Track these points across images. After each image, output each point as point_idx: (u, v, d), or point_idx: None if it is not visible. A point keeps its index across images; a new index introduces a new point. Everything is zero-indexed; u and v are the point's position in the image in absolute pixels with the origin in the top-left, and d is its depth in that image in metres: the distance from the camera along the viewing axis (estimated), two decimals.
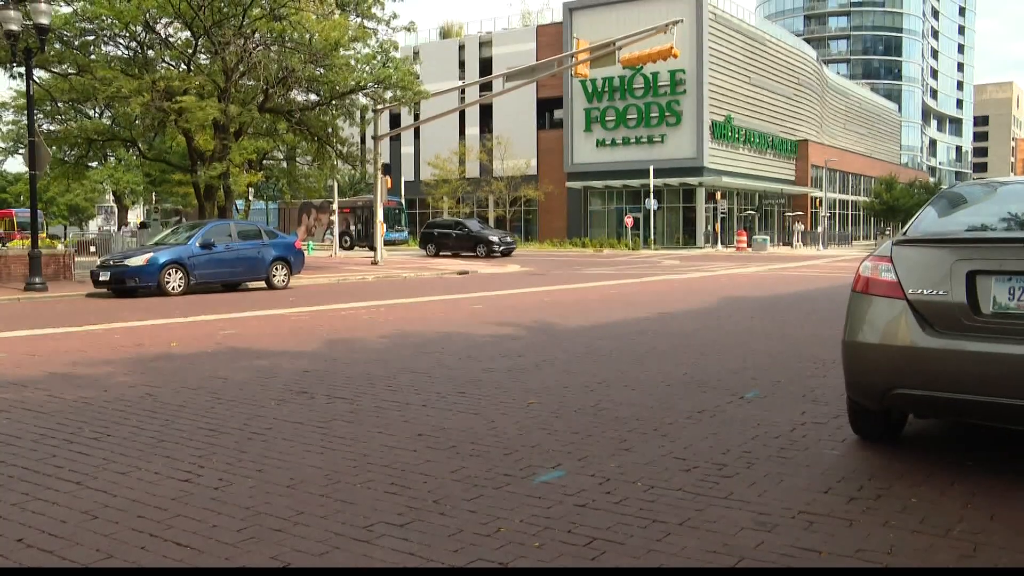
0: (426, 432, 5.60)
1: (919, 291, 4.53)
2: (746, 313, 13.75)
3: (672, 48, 25.72)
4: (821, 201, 64.49)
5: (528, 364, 8.41)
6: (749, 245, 52.10)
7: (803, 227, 63.47)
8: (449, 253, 40.65)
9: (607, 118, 59.24)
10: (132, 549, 3.62)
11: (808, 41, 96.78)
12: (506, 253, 40.26)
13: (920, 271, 4.58)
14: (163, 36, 26.24)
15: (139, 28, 25.32)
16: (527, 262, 35.11)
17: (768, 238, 55.62)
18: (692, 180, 56.32)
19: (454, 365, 8.39)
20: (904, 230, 5.05)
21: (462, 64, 66.72)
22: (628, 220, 53.30)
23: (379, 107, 30.94)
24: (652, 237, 54.29)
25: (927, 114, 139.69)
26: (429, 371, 8.02)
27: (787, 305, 15.32)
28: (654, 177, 52.72)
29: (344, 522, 3.92)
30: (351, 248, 52.17)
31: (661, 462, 4.86)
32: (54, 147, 27.60)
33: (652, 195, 52.64)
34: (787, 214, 67.40)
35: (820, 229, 62.46)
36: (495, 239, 40.38)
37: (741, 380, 7.42)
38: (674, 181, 56.29)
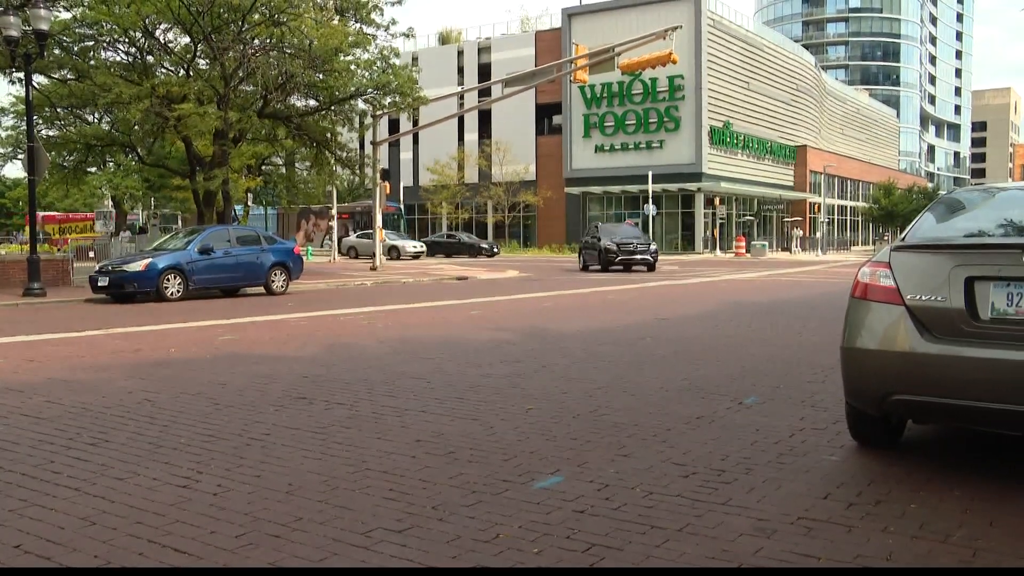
0: (425, 438, 5.60)
1: (917, 297, 4.53)
2: (745, 319, 13.75)
3: (671, 54, 25.77)
4: (819, 206, 64.59)
5: (527, 370, 8.41)
6: (748, 251, 52.14)
7: (802, 232, 63.59)
8: (597, 267, 32.41)
9: (606, 124, 59.31)
10: (130, 555, 3.62)
11: (806, 47, 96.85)
12: (651, 267, 31.52)
13: (918, 277, 4.58)
14: (162, 42, 26.27)
15: (138, 34, 25.35)
16: (526, 267, 35.15)
17: (767, 243, 55.67)
18: (691, 186, 56.36)
19: (453, 371, 8.39)
20: (902, 236, 5.05)
21: (461, 70, 66.79)
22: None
23: (378, 113, 30.97)
24: None
25: (925, 120, 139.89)
26: (428, 377, 8.02)
27: (786, 311, 15.31)
28: (653, 183, 52.79)
29: (343, 528, 3.92)
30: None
31: (660, 468, 4.86)
32: (53, 152, 27.61)
33: (651, 201, 52.69)
34: (786, 219, 67.47)
35: (819, 234, 62.58)
36: (612, 247, 31.19)
37: (740, 386, 7.41)
38: (673, 187, 56.33)
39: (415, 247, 47.39)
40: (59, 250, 35.03)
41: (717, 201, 56.27)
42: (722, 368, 8.41)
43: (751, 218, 63.01)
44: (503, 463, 4.98)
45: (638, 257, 31.44)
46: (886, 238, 73.86)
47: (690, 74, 55.34)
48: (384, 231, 50.91)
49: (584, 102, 59.56)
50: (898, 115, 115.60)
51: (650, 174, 52.97)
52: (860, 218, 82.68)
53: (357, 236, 49.83)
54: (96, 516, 4.12)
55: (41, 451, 5.37)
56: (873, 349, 4.67)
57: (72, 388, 7.58)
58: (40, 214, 56.03)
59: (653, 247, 32.38)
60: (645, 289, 21.55)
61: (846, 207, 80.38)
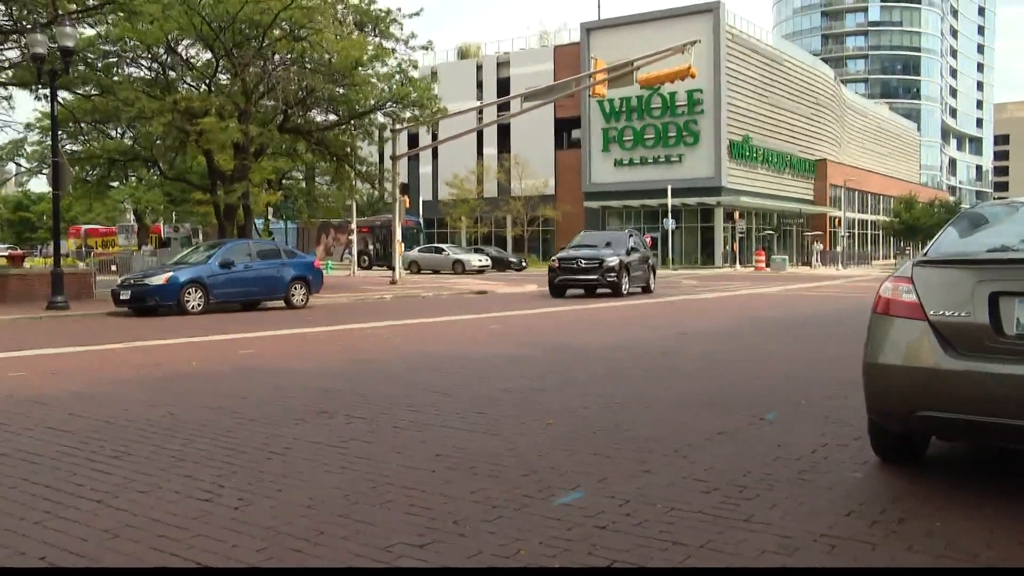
0: (445, 452, 5.59)
1: (941, 312, 4.49)
2: (766, 333, 13.67)
3: (690, 68, 25.78)
4: (840, 220, 64.26)
5: (547, 384, 8.39)
6: (768, 265, 51.94)
7: (822, 246, 63.28)
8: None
9: (625, 138, 59.34)
10: (153, 568, 3.63)
11: (826, 61, 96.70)
12: (614, 290, 23.08)
13: (942, 292, 4.54)
14: (185, 57, 26.59)
15: (161, 50, 25.70)
16: (545, 282, 35.03)
17: (787, 258, 55.42)
18: (710, 200, 56.24)
19: (473, 385, 8.38)
20: (925, 251, 5.01)
21: (480, 84, 67.10)
22: (647, 240, 53.26)
23: (398, 127, 31.16)
24: (670, 257, 54.20)
25: (946, 133, 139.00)
26: (448, 391, 8.02)
27: (807, 325, 15.22)
28: (672, 197, 52.70)
29: (363, 543, 3.92)
30: (370, 267, 52.26)
31: (681, 484, 4.83)
32: (77, 167, 27.94)
33: (670, 215, 52.61)
34: (806, 233, 67.16)
35: (839, 249, 62.25)
36: (554, 264, 24.20)
37: (761, 401, 7.36)
38: (692, 201, 56.22)
39: (480, 261, 46.44)
40: (84, 263, 35.33)
41: (737, 215, 56.11)
42: (743, 383, 8.36)
43: (771, 232, 62.76)
44: (524, 478, 4.97)
45: (582, 278, 22.89)
46: (907, 252, 73.37)
47: (709, 88, 55.31)
48: (448, 245, 50.92)
49: (603, 116, 59.63)
50: (919, 128, 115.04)
51: (669, 188, 52.90)
52: (881, 232, 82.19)
53: (419, 250, 49.44)
54: (119, 529, 4.14)
55: (64, 464, 5.41)
56: (896, 365, 4.63)
57: (95, 401, 7.64)
58: (83, 227, 56.63)
59: (612, 262, 22.66)
60: (664, 304, 21.48)
61: (867, 221, 79.94)
